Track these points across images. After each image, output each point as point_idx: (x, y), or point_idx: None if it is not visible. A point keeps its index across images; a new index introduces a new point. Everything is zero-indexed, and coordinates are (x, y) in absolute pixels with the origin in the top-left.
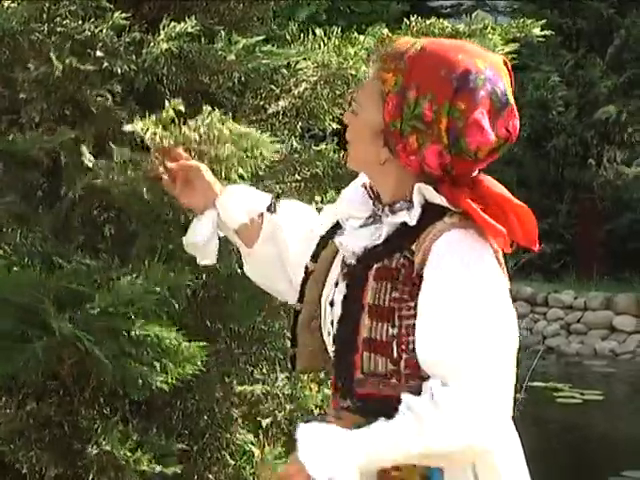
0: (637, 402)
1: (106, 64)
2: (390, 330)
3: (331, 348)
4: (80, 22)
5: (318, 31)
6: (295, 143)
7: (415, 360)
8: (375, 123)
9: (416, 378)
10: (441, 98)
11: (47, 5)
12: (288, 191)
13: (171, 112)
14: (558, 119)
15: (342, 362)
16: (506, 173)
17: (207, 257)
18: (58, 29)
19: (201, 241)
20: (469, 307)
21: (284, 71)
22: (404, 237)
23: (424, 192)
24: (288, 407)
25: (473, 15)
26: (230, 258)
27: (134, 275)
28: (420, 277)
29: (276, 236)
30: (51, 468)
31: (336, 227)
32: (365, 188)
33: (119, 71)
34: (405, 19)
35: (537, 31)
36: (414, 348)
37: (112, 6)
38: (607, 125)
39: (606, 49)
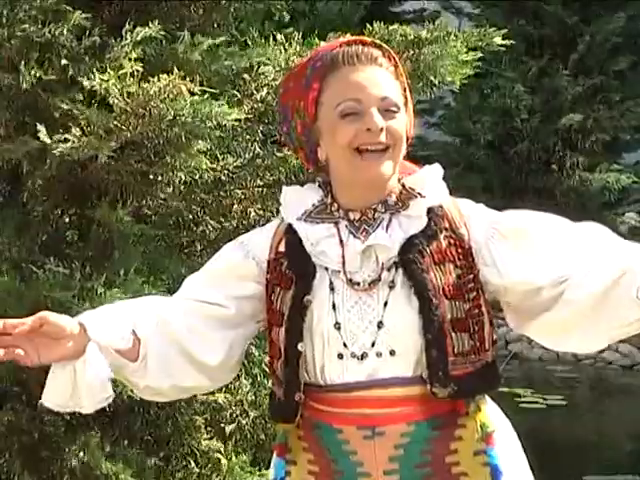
0: (599, 407)
1: (70, 72)
2: (464, 306)
3: (346, 372)
4: (40, 26)
5: (279, 36)
6: (258, 149)
7: (483, 330)
8: (407, 118)
9: (485, 351)
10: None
11: (4, 10)
12: (251, 197)
13: (129, 69)
14: (522, 126)
15: (436, 353)
16: (469, 179)
17: (107, 392)
18: (17, 33)
19: (106, 377)
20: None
21: (246, 76)
22: (434, 218)
23: (430, 173)
24: (252, 414)
25: (437, 22)
26: (193, 264)
27: (113, 287)
28: (470, 247)
29: (165, 331)
30: (23, 476)
31: (307, 257)
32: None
33: (81, 79)
34: (368, 25)
35: (498, 40)
36: (480, 319)
37: (71, 9)
38: (571, 132)
39: (569, 56)
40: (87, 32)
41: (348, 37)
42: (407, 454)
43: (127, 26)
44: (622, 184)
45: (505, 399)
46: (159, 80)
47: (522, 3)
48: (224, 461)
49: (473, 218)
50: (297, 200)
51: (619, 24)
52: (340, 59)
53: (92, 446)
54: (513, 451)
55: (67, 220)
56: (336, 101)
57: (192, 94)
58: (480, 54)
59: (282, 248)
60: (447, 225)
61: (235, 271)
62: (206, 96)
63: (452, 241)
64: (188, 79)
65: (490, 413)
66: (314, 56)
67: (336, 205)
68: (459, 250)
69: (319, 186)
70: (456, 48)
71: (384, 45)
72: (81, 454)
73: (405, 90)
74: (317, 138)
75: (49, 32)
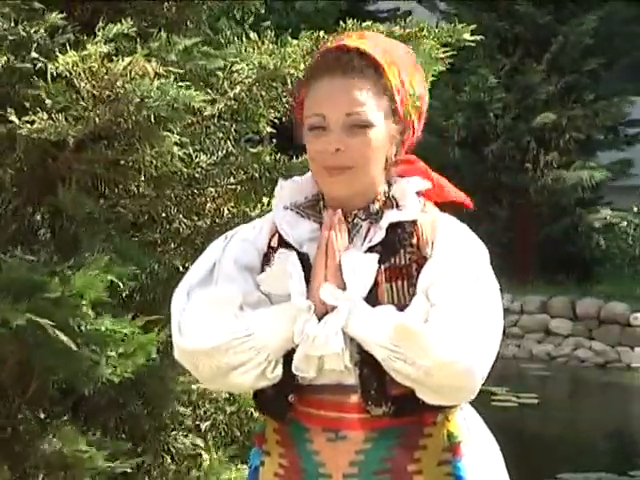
0: (572, 405)
1: (40, 64)
2: None
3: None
4: (13, 24)
5: (252, 34)
6: (231, 146)
7: None
8: (389, 127)
9: None
10: (418, 72)
11: None
12: (224, 195)
13: (93, 49)
14: (495, 122)
15: (370, 369)
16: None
17: None
18: None
19: None
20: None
21: (219, 73)
22: (401, 233)
23: (413, 185)
24: (228, 409)
25: (408, 19)
26: (167, 261)
27: (77, 268)
28: None
29: None
30: None
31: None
32: (294, 208)
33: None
34: (341, 22)
35: (467, 36)
36: None
37: (45, 8)
38: (544, 130)
39: (543, 54)
40: (60, 30)
41: (343, 39)
42: (367, 460)
43: (100, 23)
44: (597, 180)
45: (477, 397)
46: (123, 60)
47: (495, 2)
48: (203, 457)
49: (439, 241)
50: (290, 194)
51: (591, 25)
52: (318, 68)
53: (65, 433)
54: (487, 464)
55: (39, 217)
56: (308, 112)
57: (159, 77)
58: (453, 50)
59: (274, 243)
60: (414, 241)
61: (250, 268)
62: (172, 78)
63: (414, 258)
64: (158, 64)
65: (462, 423)
66: (317, 54)
67: (322, 203)
68: (420, 269)
69: None
70: (429, 45)
71: (370, 52)
72: (55, 442)
73: (394, 101)
74: (302, 139)
75: (23, 30)
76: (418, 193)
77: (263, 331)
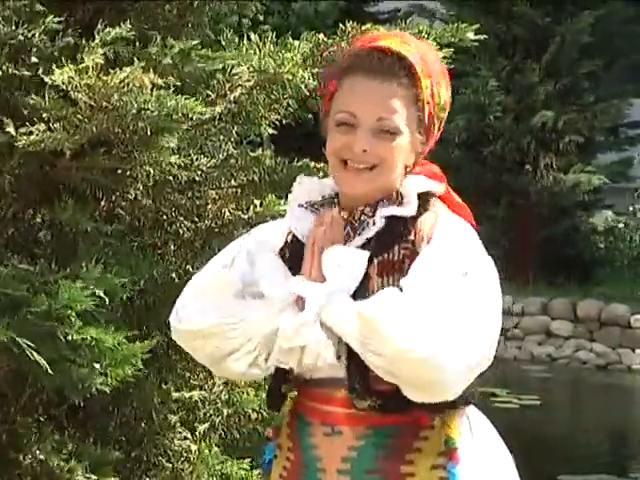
0: (574, 407)
1: (40, 70)
2: None
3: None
4: (13, 27)
5: (253, 36)
6: (231, 149)
7: None
8: (414, 137)
9: None
10: (445, 81)
11: None
12: (225, 197)
13: (90, 62)
14: (495, 124)
15: (355, 363)
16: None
17: None
18: None
19: None
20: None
21: (219, 76)
22: (398, 229)
23: (417, 183)
24: (226, 412)
25: (408, 20)
26: (167, 264)
27: (72, 278)
28: None
29: None
30: None
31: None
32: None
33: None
34: (341, 25)
35: (471, 35)
36: None
37: (45, 10)
38: (544, 131)
39: (542, 56)
40: (60, 33)
41: (386, 40)
42: (360, 457)
43: (99, 26)
44: (594, 185)
45: (478, 399)
46: (120, 72)
47: (494, 4)
48: (195, 457)
49: (434, 237)
50: (308, 192)
51: (588, 23)
52: (356, 65)
53: (47, 444)
54: (489, 473)
55: (39, 220)
56: (338, 108)
57: (158, 88)
58: (452, 51)
59: (290, 238)
60: (412, 238)
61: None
62: (171, 90)
63: (408, 253)
64: (156, 75)
65: (464, 429)
66: (350, 49)
67: (337, 200)
68: (411, 264)
69: None
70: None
71: (412, 61)
72: (47, 456)
73: (423, 112)
74: (326, 131)
75: (22, 34)
76: (428, 192)
77: (251, 320)
